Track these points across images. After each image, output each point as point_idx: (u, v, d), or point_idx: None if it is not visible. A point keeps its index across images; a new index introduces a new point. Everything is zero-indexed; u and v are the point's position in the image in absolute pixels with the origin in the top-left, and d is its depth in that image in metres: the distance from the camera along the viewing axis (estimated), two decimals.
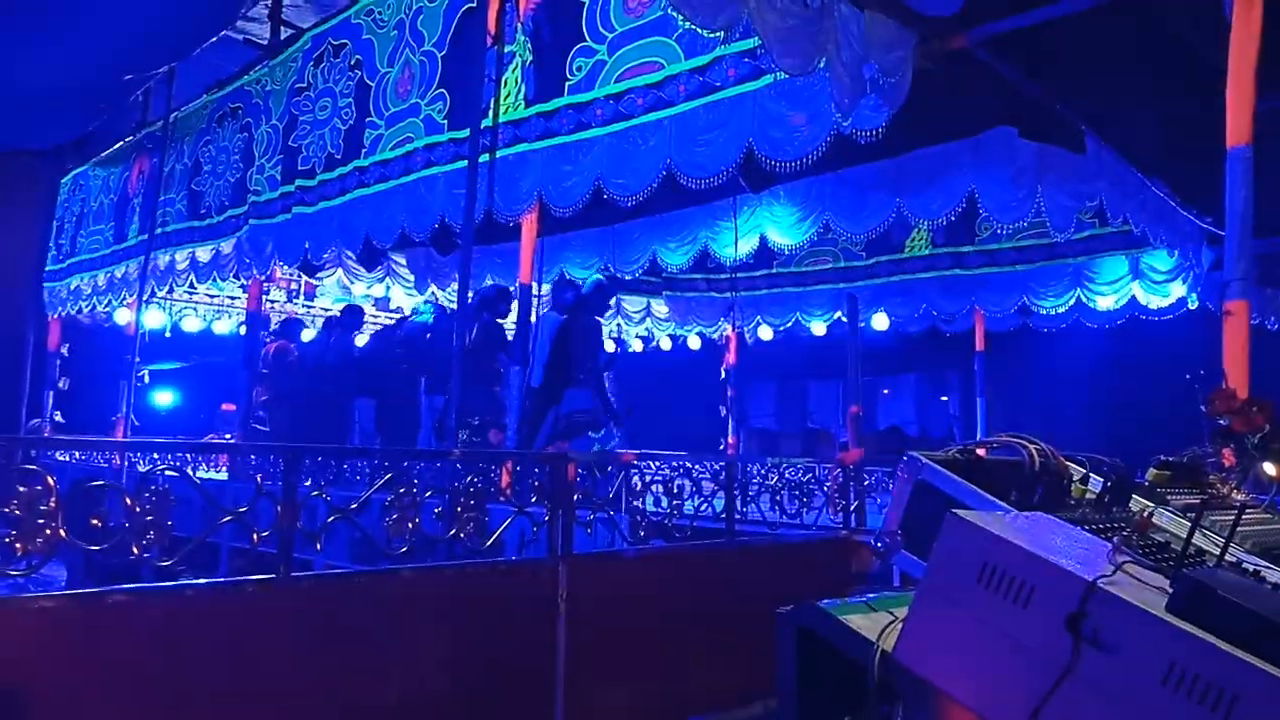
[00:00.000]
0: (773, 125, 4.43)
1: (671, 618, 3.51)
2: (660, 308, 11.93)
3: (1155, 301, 8.52)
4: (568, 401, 6.53)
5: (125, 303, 9.78)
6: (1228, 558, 1.54)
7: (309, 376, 8.97)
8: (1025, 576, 1.34)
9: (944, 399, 13.79)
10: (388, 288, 11.08)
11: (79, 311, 10.64)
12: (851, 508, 4.71)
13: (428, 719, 2.75)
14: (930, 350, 11.83)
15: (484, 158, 5.03)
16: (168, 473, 2.43)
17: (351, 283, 10.82)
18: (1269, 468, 2.16)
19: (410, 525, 2.84)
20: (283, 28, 7.76)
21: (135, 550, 2.29)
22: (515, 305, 6.45)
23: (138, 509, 2.30)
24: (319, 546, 2.70)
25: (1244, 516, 1.60)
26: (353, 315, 9.48)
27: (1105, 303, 8.80)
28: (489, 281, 9.30)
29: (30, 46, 6.12)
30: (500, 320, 7.38)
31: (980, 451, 1.90)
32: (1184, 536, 1.50)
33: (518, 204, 5.51)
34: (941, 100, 4.88)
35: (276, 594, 2.48)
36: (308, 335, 10.50)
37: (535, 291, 6.42)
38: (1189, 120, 5.19)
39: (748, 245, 7.84)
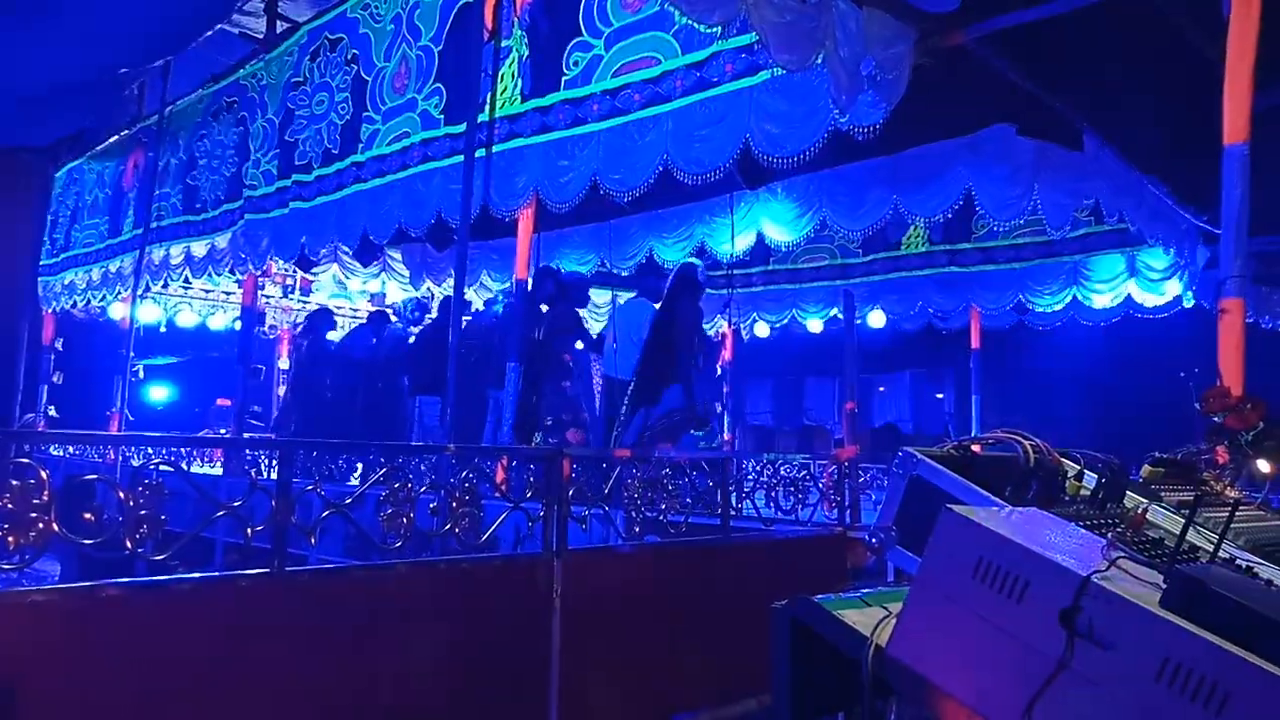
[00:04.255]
0: (770, 121, 4.43)
1: (666, 613, 3.51)
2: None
3: (1151, 299, 8.51)
4: (667, 399, 6.17)
5: (120, 297, 9.74)
6: (1221, 554, 1.54)
7: (352, 372, 8.72)
8: (1020, 571, 1.34)
9: (939, 396, 13.79)
10: (383, 283, 11.05)
11: (73, 306, 10.61)
12: (846, 504, 4.71)
13: (422, 713, 2.74)
14: (926, 347, 11.82)
15: (480, 153, 5.02)
16: (162, 467, 2.42)
17: (347, 278, 10.79)
18: (1262, 465, 2.16)
19: (405, 520, 2.83)
20: (279, 22, 7.72)
21: (129, 545, 2.28)
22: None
23: (131, 503, 2.29)
24: (313, 541, 2.69)
25: (1237, 513, 1.61)
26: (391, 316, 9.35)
27: (1101, 300, 8.80)
28: (485, 277, 9.28)
29: (24, 43, 6.08)
30: (579, 309, 7.03)
31: (975, 448, 1.90)
32: (1178, 533, 1.50)
33: (514, 199, 5.50)
34: (939, 97, 4.88)
35: (270, 588, 2.48)
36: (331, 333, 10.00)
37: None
38: (1186, 118, 5.20)
39: (744, 242, 7.83)
